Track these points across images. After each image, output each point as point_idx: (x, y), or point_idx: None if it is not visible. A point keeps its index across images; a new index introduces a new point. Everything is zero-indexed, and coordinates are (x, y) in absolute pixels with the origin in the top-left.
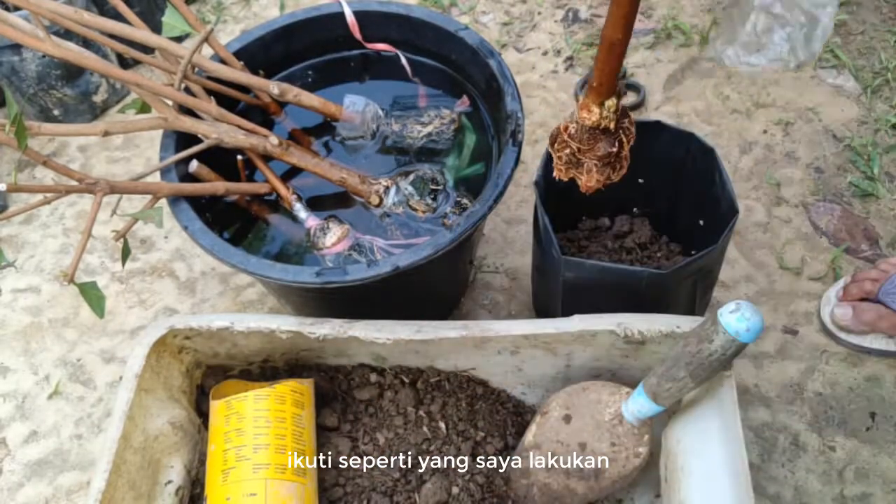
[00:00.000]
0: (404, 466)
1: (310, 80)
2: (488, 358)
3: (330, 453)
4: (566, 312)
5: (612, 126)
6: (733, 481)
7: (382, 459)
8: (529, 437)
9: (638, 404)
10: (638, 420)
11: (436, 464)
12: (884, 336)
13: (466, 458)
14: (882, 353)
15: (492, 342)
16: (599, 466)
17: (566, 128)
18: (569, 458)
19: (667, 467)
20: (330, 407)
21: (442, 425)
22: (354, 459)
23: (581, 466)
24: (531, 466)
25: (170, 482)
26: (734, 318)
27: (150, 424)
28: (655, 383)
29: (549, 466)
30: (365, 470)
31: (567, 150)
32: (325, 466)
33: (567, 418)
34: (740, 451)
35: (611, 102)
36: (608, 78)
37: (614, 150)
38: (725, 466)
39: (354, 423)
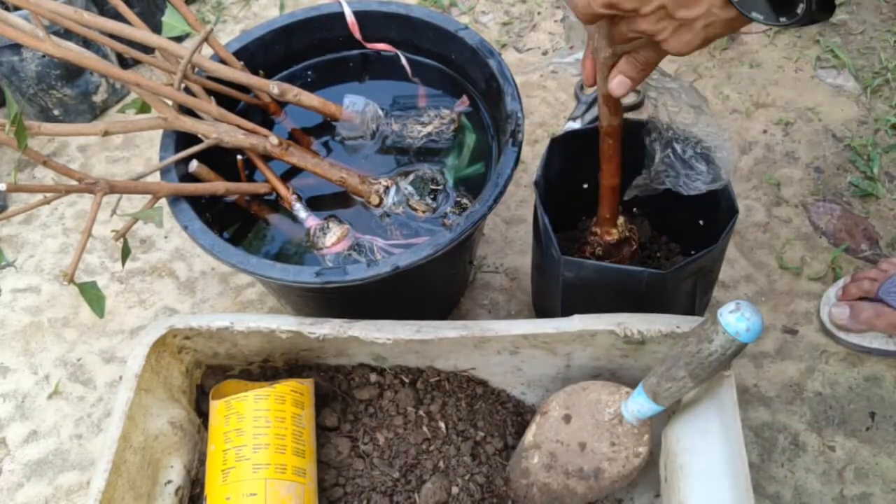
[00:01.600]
0: (404, 466)
1: (310, 80)
2: (488, 358)
3: (330, 453)
4: (566, 312)
5: (626, 234)
6: (733, 481)
7: (382, 459)
8: (529, 436)
9: (638, 404)
10: (638, 420)
11: (436, 464)
12: (883, 335)
13: (466, 458)
14: (882, 353)
15: (491, 342)
16: (599, 466)
17: (592, 252)
18: (568, 458)
19: (666, 467)
20: (330, 407)
21: (442, 425)
22: (354, 459)
23: (581, 466)
24: (531, 466)
25: (169, 482)
26: (734, 317)
27: (150, 424)
28: (655, 383)
29: (549, 466)
30: (365, 470)
31: (598, 251)
32: (324, 466)
33: (567, 418)
34: (740, 451)
35: (620, 221)
36: (614, 211)
37: (633, 247)
38: (725, 466)
39: (354, 423)
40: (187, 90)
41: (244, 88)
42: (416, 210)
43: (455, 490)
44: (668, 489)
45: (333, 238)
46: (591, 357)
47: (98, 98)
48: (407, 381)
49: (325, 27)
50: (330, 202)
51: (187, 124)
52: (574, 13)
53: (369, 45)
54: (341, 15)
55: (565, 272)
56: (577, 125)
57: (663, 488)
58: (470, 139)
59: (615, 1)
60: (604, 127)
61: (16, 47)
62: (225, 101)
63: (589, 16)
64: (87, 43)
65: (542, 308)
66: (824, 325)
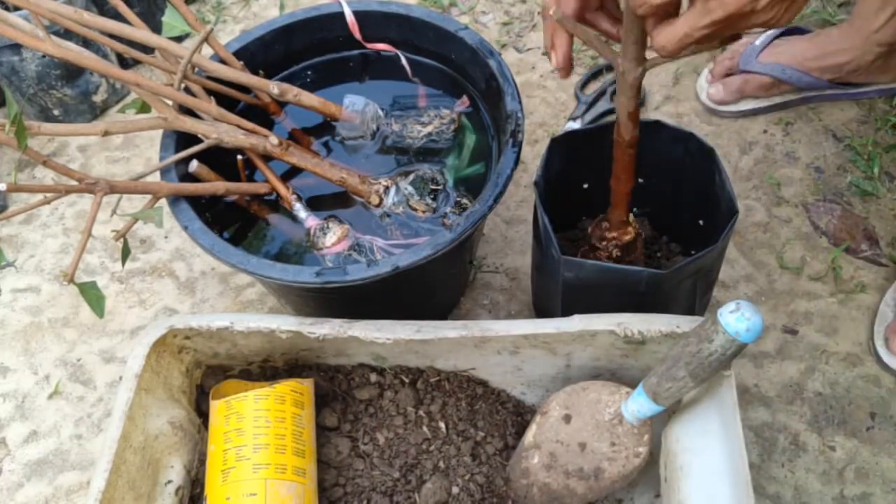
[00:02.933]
0: (404, 466)
1: (310, 80)
2: (488, 358)
3: (330, 453)
4: (566, 312)
5: (638, 230)
6: (733, 481)
7: (382, 459)
8: (529, 437)
9: (638, 404)
10: (638, 420)
11: (436, 464)
12: (753, 98)
13: (467, 458)
14: (755, 111)
15: (491, 342)
16: (599, 466)
17: (609, 255)
18: (569, 458)
19: (666, 467)
20: (330, 407)
21: (442, 425)
22: (354, 459)
23: (581, 466)
24: (531, 466)
25: (170, 482)
26: (734, 317)
27: (150, 424)
28: (655, 383)
29: (549, 466)
30: (365, 470)
31: (615, 252)
32: (325, 466)
33: (567, 418)
34: (740, 451)
35: (631, 218)
36: (626, 213)
37: (642, 235)
38: (725, 466)
39: (354, 424)
40: (187, 90)
41: (244, 88)
42: (416, 210)
43: (455, 490)
44: (669, 489)
45: (333, 238)
46: (591, 357)
47: (98, 98)
48: (407, 381)
49: (325, 27)
50: (330, 202)
51: (187, 124)
52: (656, 47)
53: (369, 45)
54: (341, 15)
55: (565, 272)
56: (577, 125)
57: (663, 488)
58: (470, 139)
59: (739, 9)
60: (626, 140)
61: (16, 47)
62: (225, 101)
63: (681, 47)
64: (87, 43)
65: (542, 308)
66: (706, 106)
